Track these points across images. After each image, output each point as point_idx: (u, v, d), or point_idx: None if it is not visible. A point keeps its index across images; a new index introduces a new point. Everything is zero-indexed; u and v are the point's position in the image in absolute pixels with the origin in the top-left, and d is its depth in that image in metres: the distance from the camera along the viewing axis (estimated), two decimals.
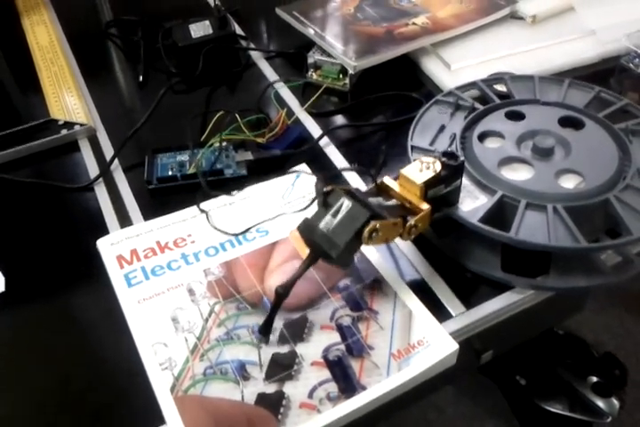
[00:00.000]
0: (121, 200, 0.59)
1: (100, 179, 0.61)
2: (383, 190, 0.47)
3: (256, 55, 0.76)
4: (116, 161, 0.62)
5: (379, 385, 0.43)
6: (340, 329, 0.47)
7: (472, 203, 0.49)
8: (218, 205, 0.56)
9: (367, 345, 0.46)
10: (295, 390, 0.43)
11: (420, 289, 0.49)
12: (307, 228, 0.44)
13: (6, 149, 0.63)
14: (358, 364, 0.45)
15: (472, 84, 0.60)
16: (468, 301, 0.49)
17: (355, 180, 0.60)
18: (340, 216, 0.43)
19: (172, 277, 0.51)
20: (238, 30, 0.78)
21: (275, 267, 0.51)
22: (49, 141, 0.64)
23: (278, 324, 0.47)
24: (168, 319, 0.48)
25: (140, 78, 0.72)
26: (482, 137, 0.54)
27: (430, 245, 0.53)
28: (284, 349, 0.46)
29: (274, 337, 0.46)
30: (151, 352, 0.46)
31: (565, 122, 0.54)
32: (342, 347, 0.46)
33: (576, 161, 0.51)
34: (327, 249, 0.42)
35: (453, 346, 0.45)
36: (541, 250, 0.47)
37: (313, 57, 0.68)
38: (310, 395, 0.43)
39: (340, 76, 0.67)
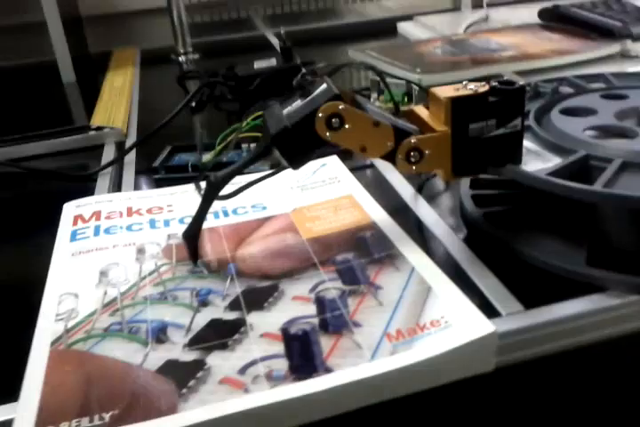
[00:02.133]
0: (119, 190, 0.51)
1: (108, 172, 0.53)
2: (407, 117, 0.35)
3: None
4: (133, 161, 0.55)
5: (354, 369, 0.26)
6: (320, 302, 0.31)
7: (542, 164, 0.35)
8: None
9: (352, 322, 0.29)
10: (223, 363, 0.28)
11: (453, 277, 0.33)
12: (268, 111, 0.33)
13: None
14: (331, 341, 0.28)
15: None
16: (528, 298, 0.32)
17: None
18: (307, 99, 0.31)
19: (126, 237, 0.39)
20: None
21: (258, 237, 0.38)
22: (74, 141, 0.60)
23: (235, 290, 0.33)
24: (95, 272, 0.35)
25: (193, 104, 0.68)
26: (566, 113, 0.41)
27: (481, 238, 0.38)
28: (231, 316, 0.31)
29: (224, 303, 0.32)
30: (54, 302, 0.33)
31: None
32: (314, 320, 0.30)
33: None
34: (270, 129, 0.30)
35: (487, 327, 0.28)
36: None
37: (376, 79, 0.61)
38: (243, 370, 0.27)
39: (405, 99, 0.59)
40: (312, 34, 0.95)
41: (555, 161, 0.35)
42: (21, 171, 0.55)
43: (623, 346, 0.33)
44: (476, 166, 0.35)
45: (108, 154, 0.58)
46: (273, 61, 0.69)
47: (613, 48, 0.63)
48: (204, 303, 0.32)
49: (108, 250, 0.38)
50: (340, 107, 0.30)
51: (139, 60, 0.90)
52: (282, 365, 0.27)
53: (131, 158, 0.56)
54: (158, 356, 0.28)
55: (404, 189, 0.46)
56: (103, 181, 0.52)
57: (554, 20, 0.72)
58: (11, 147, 0.59)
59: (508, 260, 0.36)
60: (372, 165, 0.51)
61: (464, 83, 0.34)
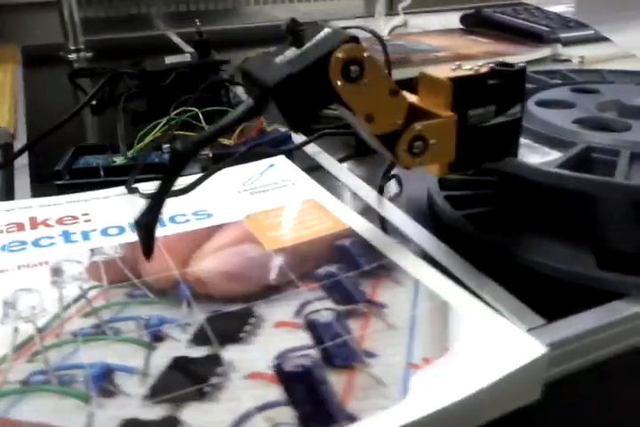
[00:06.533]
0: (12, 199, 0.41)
1: None
2: None
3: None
4: (26, 165, 0.45)
5: (384, 415, 0.20)
6: (313, 327, 0.25)
7: (540, 158, 0.31)
8: (149, 189, 0.38)
9: (363, 351, 0.23)
10: (205, 418, 0.20)
11: None
12: (248, 64, 0.26)
13: None
14: (343, 379, 0.22)
15: None
16: (543, 309, 0.28)
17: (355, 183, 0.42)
18: (307, 45, 0.25)
19: (34, 254, 0.30)
20: None
21: (210, 250, 0.30)
22: None
23: (197, 317, 0.25)
24: None
25: (94, 102, 0.58)
26: (543, 106, 0.38)
27: (467, 244, 0.33)
28: (199, 352, 0.23)
29: (186, 335, 0.24)
30: None
31: None
32: (314, 352, 0.23)
33: None
34: (264, 78, 0.24)
35: (537, 348, 0.22)
36: None
37: None
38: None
39: None
40: (218, 35, 0.88)
41: (553, 155, 0.31)
42: None
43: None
44: (473, 159, 0.30)
45: None
46: (187, 57, 0.62)
47: (545, 51, 0.62)
48: (157, 337, 0.24)
49: (11, 272, 0.28)
50: (365, 53, 0.24)
51: (20, 57, 0.78)
52: (287, 415, 0.20)
53: (22, 163, 0.46)
54: (109, 415, 0.20)
55: (364, 191, 0.40)
56: None
57: (476, 25, 0.71)
58: None
59: (505, 267, 0.31)
60: (320, 167, 0.45)
61: (456, 63, 0.30)
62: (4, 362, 0.23)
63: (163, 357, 0.23)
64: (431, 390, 0.21)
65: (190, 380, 0.22)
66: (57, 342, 0.24)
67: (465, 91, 0.28)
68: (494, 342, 0.23)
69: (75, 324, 0.25)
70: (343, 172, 0.44)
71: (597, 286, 0.29)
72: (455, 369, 0.22)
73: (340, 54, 0.24)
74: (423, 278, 0.27)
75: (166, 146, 0.45)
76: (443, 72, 0.28)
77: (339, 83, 0.24)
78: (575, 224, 0.31)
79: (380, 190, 0.40)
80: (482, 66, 0.29)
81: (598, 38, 0.64)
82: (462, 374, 0.22)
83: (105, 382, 0.22)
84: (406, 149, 0.26)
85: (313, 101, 0.25)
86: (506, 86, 0.29)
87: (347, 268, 0.29)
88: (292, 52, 0.25)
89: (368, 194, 0.40)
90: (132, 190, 0.37)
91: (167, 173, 0.24)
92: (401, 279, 0.27)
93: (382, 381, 0.22)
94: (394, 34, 0.73)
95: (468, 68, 0.28)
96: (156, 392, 0.21)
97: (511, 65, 0.29)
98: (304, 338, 0.24)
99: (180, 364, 0.23)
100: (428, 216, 0.37)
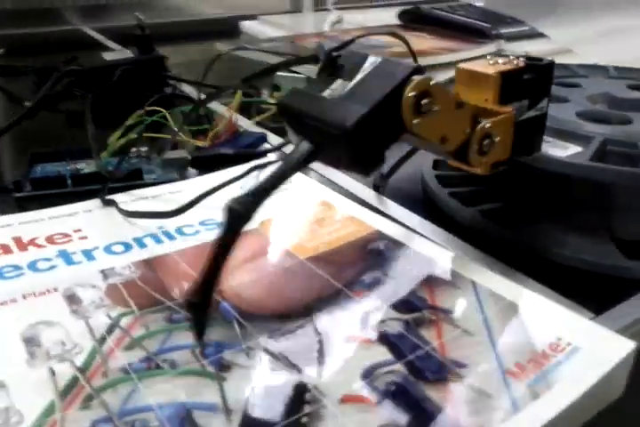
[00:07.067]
0: None
1: None
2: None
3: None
4: None
5: None
6: (388, 340, 0.23)
7: (562, 152, 0.31)
8: (133, 199, 0.34)
9: (450, 361, 0.22)
10: None
11: None
12: (296, 98, 0.24)
13: None
14: (440, 393, 0.20)
15: None
16: (589, 303, 0.28)
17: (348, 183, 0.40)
18: (359, 76, 0.23)
19: (36, 280, 0.26)
20: None
21: (239, 262, 0.28)
22: None
23: (258, 339, 0.23)
24: (16, 341, 0.22)
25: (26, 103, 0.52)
26: None
27: (485, 241, 0.32)
28: (277, 380, 0.21)
29: (253, 361, 0.22)
30: None
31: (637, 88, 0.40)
32: (399, 367, 0.22)
33: None
34: (331, 119, 0.22)
35: (625, 344, 0.22)
36: None
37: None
38: None
39: None
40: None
41: (573, 148, 0.32)
42: None
43: None
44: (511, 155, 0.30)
45: None
46: (127, 53, 0.57)
47: (490, 47, 0.64)
48: (222, 366, 0.22)
49: (18, 303, 0.24)
50: (432, 82, 0.22)
51: None
52: None
53: None
54: None
55: (361, 191, 0.39)
56: None
57: (414, 21, 0.71)
58: None
59: (530, 262, 0.31)
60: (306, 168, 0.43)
61: (487, 57, 0.29)
62: (53, 412, 0.19)
63: (238, 388, 0.21)
64: (537, 398, 0.20)
65: (286, 411, 0.20)
66: (108, 383, 0.20)
67: (509, 85, 0.27)
68: (579, 341, 0.22)
69: (119, 359, 0.22)
70: (329, 170, 0.42)
71: (628, 275, 0.30)
72: (552, 372, 0.21)
73: (412, 92, 0.22)
74: (479, 279, 0.26)
75: (134, 150, 0.42)
76: (483, 67, 0.27)
77: (414, 121, 0.22)
78: (596, 216, 0.32)
79: (377, 189, 0.39)
80: (511, 60, 0.28)
81: (534, 34, 0.66)
82: (563, 377, 0.21)
83: (186, 424, 0.19)
84: (477, 150, 0.25)
85: (384, 141, 0.23)
86: (537, 80, 0.29)
87: (393, 273, 0.27)
88: (341, 86, 0.23)
89: (364, 193, 0.38)
90: (108, 203, 0.33)
91: (223, 237, 0.21)
92: (456, 282, 0.26)
93: (485, 392, 0.20)
94: (333, 30, 0.72)
95: (503, 63, 0.28)
96: None
97: (539, 59, 0.29)
98: (382, 353, 0.22)
99: (260, 395, 0.20)
100: (431, 213, 0.36)
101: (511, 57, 0.28)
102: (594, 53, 0.62)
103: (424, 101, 0.22)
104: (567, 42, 0.64)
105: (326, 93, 0.23)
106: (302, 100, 0.24)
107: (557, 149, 0.31)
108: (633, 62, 0.60)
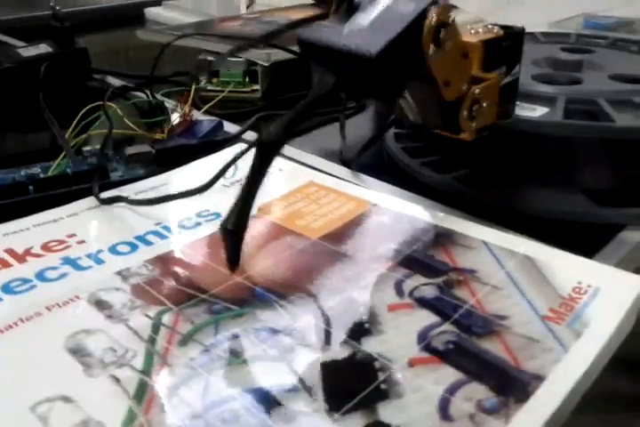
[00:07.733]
0: None
1: None
2: None
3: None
4: None
5: (562, 366, 0.21)
6: (428, 304, 0.24)
7: (532, 113, 0.33)
8: (124, 195, 0.33)
9: (492, 315, 0.23)
10: (406, 415, 0.19)
11: None
12: (313, 33, 0.24)
13: None
14: (495, 344, 0.22)
15: None
16: (580, 248, 0.30)
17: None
18: (379, 8, 0.23)
19: (52, 291, 0.25)
20: None
21: (253, 249, 0.28)
22: None
23: (306, 318, 0.23)
24: (62, 354, 0.21)
25: None
26: None
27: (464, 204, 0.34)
28: (340, 353, 0.22)
29: (311, 338, 0.22)
30: (32, 420, 0.19)
31: (572, 51, 0.43)
32: (449, 327, 0.23)
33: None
34: (358, 47, 0.22)
35: (637, 280, 0.25)
36: None
37: (205, 59, 0.51)
38: (445, 416, 0.19)
39: (247, 79, 0.51)
40: (33, 20, 0.77)
41: (540, 109, 0.34)
42: None
43: None
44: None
45: None
46: (45, 47, 0.54)
47: None
48: (284, 349, 0.22)
49: (45, 317, 0.23)
50: (452, 13, 0.23)
51: None
52: (481, 390, 0.20)
53: None
54: None
55: (337, 170, 0.39)
56: None
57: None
58: None
59: (509, 219, 0.33)
60: None
61: (468, 26, 0.30)
62: (136, 418, 0.19)
63: (308, 366, 0.21)
64: (580, 337, 0.22)
65: (358, 381, 0.20)
66: (179, 381, 0.20)
67: (491, 52, 0.29)
68: (597, 282, 0.25)
69: (178, 356, 0.21)
70: (301, 154, 0.42)
71: (602, 221, 0.33)
72: (583, 313, 0.23)
73: (434, 18, 0.23)
74: (488, 238, 0.28)
75: (87, 149, 0.40)
76: (465, 36, 0.28)
77: (431, 48, 0.23)
78: (567, 170, 0.34)
79: (348, 166, 0.39)
80: (490, 29, 0.30)
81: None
82: (594, 316, 0.23)
83: (273, 407, 0.19)
84: (467, 114, 0.27)
85: (404, 69, 0.24)
86: (512, 47, 0.30)
87: (405, 243, 0.28)
88: (364, 19, 0.23)
89: (340, 171, 0.39)
90: (107, 202, 0.32)
91: (256, 168, 0.22)
92: (467, 242, 0.28)
93: (534, 338, 0.22)
94: (257, 10, 0.71)
95: (483, 32, 0.29)
96: (338, 403, 0.19)
97: (511, 27, 0.31)
98: (425, 316, 0.23)
99: (332, 369, 0.21)
100: (403, 183, 0.38)
101: (489, 26, 0.30)
102: (504, 21, 0.66)
103: (442, 31, 0.23)
104: (478, 11, 0.68)
105: (349, 28, 0.23)
106: (324, 32, 0.24)
107: (526, 111, 0.34)
108: (548, 27, 0.65)
